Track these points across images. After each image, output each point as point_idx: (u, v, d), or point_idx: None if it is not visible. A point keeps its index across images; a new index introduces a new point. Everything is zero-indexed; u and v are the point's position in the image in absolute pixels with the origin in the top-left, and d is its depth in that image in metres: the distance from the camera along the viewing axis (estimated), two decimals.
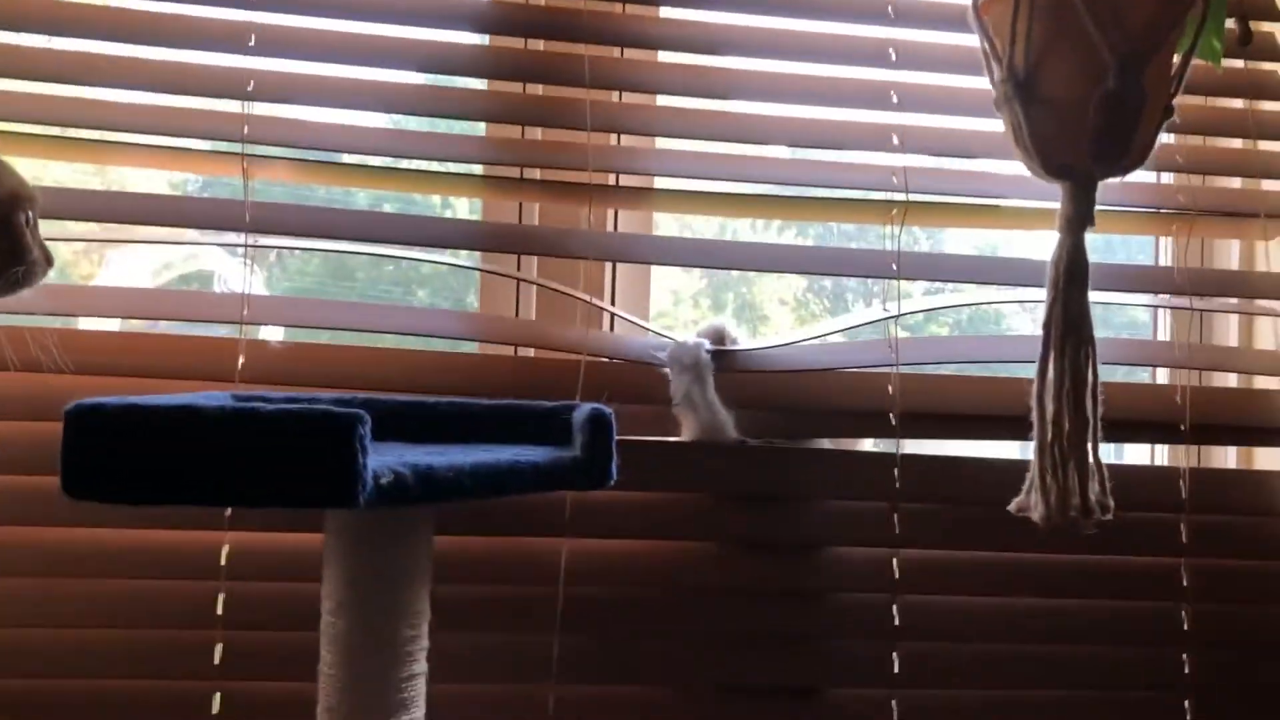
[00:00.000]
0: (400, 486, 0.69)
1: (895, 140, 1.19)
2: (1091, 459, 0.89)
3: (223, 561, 1.05)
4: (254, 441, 0.64)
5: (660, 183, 1.21)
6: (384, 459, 0.71)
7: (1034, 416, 0.90)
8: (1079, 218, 0.89)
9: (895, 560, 1.15)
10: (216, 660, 1.04)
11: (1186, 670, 1.18)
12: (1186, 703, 1.18)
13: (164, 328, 1.16)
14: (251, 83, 1.10)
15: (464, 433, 0.93)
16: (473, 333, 1.18)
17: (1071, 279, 0.88)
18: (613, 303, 1.25)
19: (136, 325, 1.17)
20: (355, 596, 0.77)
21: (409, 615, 0.78)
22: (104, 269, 1.31)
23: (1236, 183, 1.26)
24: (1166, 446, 1.30)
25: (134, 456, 0.64)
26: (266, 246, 1.14)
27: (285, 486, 0.65)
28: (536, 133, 1.21)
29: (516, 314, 1.24)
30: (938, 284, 1.34)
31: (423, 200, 1.40)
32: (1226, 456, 1.29)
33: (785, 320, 1.47)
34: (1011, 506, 0.92)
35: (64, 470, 0.64)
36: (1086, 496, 0.88)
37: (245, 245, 1.09)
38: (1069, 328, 0.88)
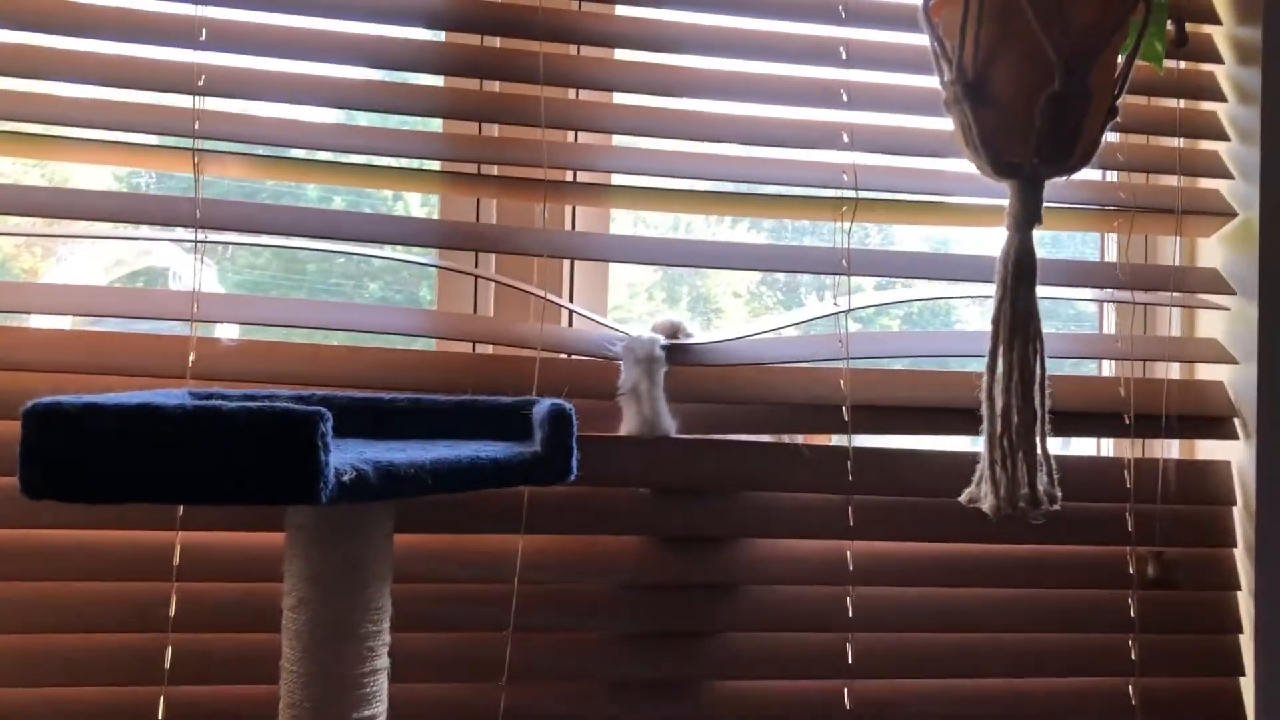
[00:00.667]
0: (362, 483, 0.70)
1: (845, 138, 1.21)
2: (1040, 450, 0.91)
3: (175, 562, 1.04)
4: (216, 440, 0.64)
5: (616, 179, 1.22)
6: (345, 456, 0.71)
7: (984, 410, 0.92)
8: (1026, 216, 0.91)
9: (849, 553, 1.17)
10: (167, 664, 1.03)
11: (1134, 656, 1.21)
12: (1131, 688, 1.21)
13: (115, 325, 1.14)
14: (203, 78, 1.09)
15: (422, 429, 0.94)
16: (427, 329, 1.18)
17: (1019, 276, 0.91)
18: (571, 298, 1.26)
19: (87, 323, 1.16)
20: (317, 592, 0.77)
21: (370, 610, 0.79)
22: (56, 265, 1.29)
23: (1174, 180, 1.30)
24: (1111, 440, 1.33)
25: (95, 455, 0.64)
26: (217, 242, 1.13)
27: (247, 484, 0.65)
28: (493, 130, 1.21)
29: (475, 311, 1.24)
30: (889, 280, 1.37)
31: (375, 195, 1.39)
32: (1169, 448, 1.33)
33: (739, 313, 1.48)
34: (962, 498, 0.94)
35: (23, 470, 0.64)
36: (1035, 487, 0.90)
37: (195, 240, 1.08)
38: (1017, 323, 0.90)
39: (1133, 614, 1.22)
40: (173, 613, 1.04)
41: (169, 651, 1.03)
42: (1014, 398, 0.90)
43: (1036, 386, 0.91)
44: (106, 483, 0.64)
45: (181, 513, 1.04)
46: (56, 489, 0.64)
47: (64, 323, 1.15)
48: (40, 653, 1.03)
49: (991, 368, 0.91)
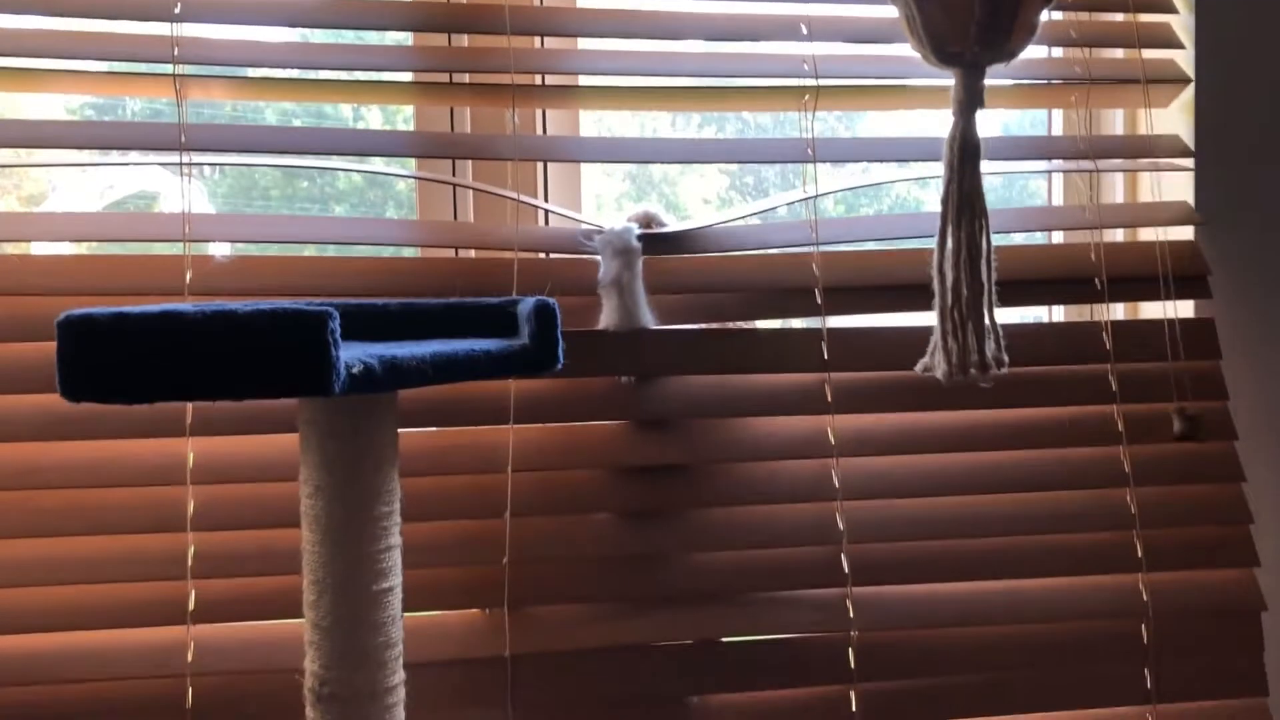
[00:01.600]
0: (369, 375, 0.76)
1: (804, 30, 1.25)
2: (988, 320, 0.99)
3: (189, 466, 1.11)
4: (235, 340, 0.71)
5: (582, 81, 1.27)
6: (351, 352, 0.78)
7: (935, 285, 1.00)
8: (970, 101, 0.97)
9: (830, 428, 1.23)
10: (189, 561, 1.11)
11: (1133, 510, 1.26)
12: (1135, 537, 1.26)
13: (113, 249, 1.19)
14: (179, 4, 1.12)
15: (416, 330, 1.00)
16: (405, 239, 1.24)
17: (965, 158, 0.97)
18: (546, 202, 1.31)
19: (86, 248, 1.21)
20: (331, 479, 0.84)
21: (382, 493, 0.86)
22: (53, 194, 1.33)
23: (1120, 53, 1.35)
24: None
25: (126, 359, 0.70)
26: (204, 164, 1.17)
27: (267, 379, 0.72)
28: (463, 40, 1.26)
29: (455, 218, 1.30)
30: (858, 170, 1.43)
31: (334, 114, 1.43)
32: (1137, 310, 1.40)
33: (710, 219, 1.54)
34: (918, 367, 1.02)
35: (61, 375, 0.70)
36: (984, 354, 0.98)
37: (181, 164, 1.13)
38: (964, 203, 0.97)
39: (1127, 469, 1.27)
40: (190, 512, 1.11)
41: (190, 550, 1.11)
42: (963, 272, 0.98)
43: (984, 261, 0.98)
44: (139, 383, 0.70)
45: (190, 420, 1.10)
46: (90, 391, 0.70)
47: (64, 249, 1.20)
48: (66, 557, 1.10)
49: (941, 245, 0.99)
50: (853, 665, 1.21)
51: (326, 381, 0.72)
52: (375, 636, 0.86)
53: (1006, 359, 1.00)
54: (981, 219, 0.98)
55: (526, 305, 0.95)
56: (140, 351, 0.70)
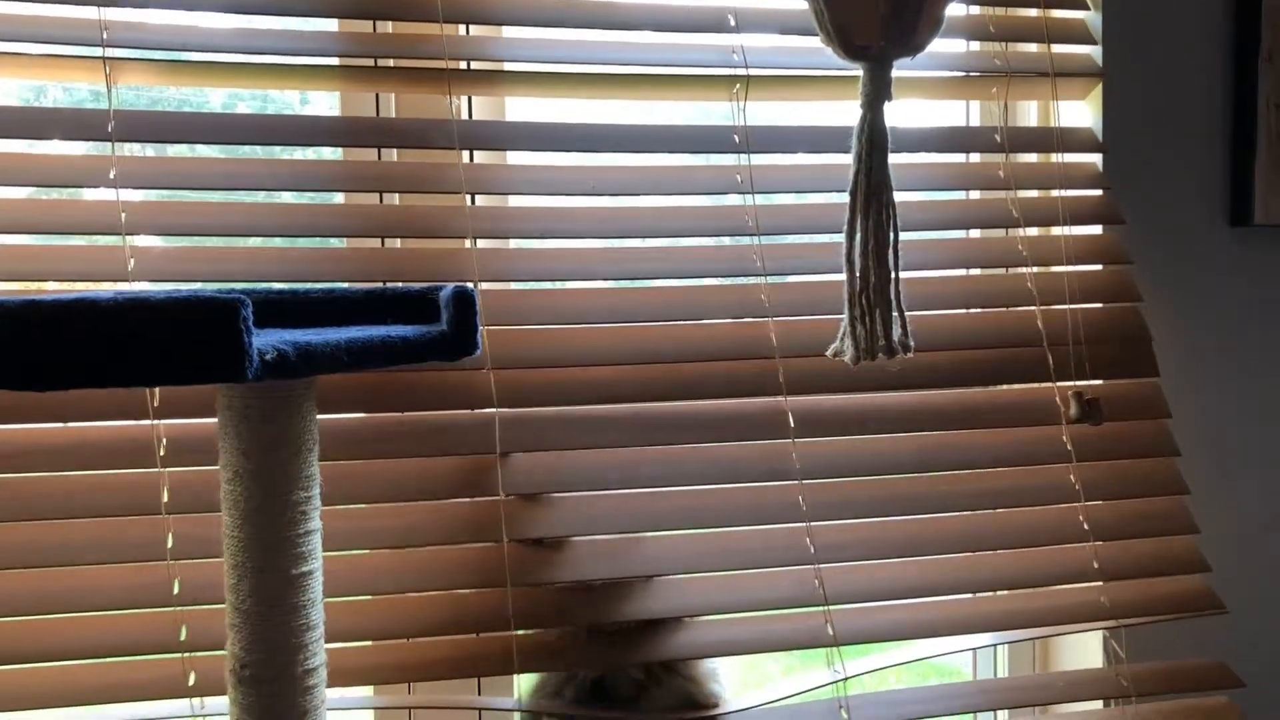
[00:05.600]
0: (283, 361, 0.78)
1: (732, 21, 1.28)
2: (895, 307, 1.02)
3: (160, 452, 1.12)
4: (148, 327, 0.72)
5: (509, 69, 1.29)
6: (266, 339, 0.80)
7: (844, 272, 1.03)
8: (877, 94, 1.00)
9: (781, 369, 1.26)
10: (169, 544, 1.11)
11: (1076, 486, 1.33)
12: (1080, 514, 1.32)
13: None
14: None
15: (338, 318, 1.02)
16: (340, 228, 1.25)
17: (873, 149, 1.00)
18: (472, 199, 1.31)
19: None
20: (249, 465, 0.86)
21: (301, 479, 0.88)
22: None
23: (1034, 48, 1.39)
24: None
25: (39, 346, 0.71)
26: (132, 158, 1.17)
27: (180, 365, 0.74)
28: (388, 27, 1.27)
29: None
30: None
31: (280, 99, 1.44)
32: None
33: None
34: (829, 352, 1.05)
35: None
36: (890, 339, 1.02)
37: (112, 153, 1.13)
38: (872, 193, 1.00)
39: (1069, 446, 1.32)
40: (165, 498, 1.11)
41: (169, 536, 1.11)
42: (870, 261, 1.01)
43: (890, 250, 1.02)
44: (50, 370, 0.72)
45: (157, 404, 1.11)
46: (8, 377, 0.72)
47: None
48: (46, 542, 1.11)
49: (850, 234, 1.02)
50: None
51: (239, 368, 0.74)
52: (295, 619, 0.88)
53: (912, 344, 1.03)
54: (889, 209, 1.01)
55: (446, 292, 0.97)
56: (53, 339, 0.72)
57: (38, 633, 1.10)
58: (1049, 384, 1.32)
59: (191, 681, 1.10)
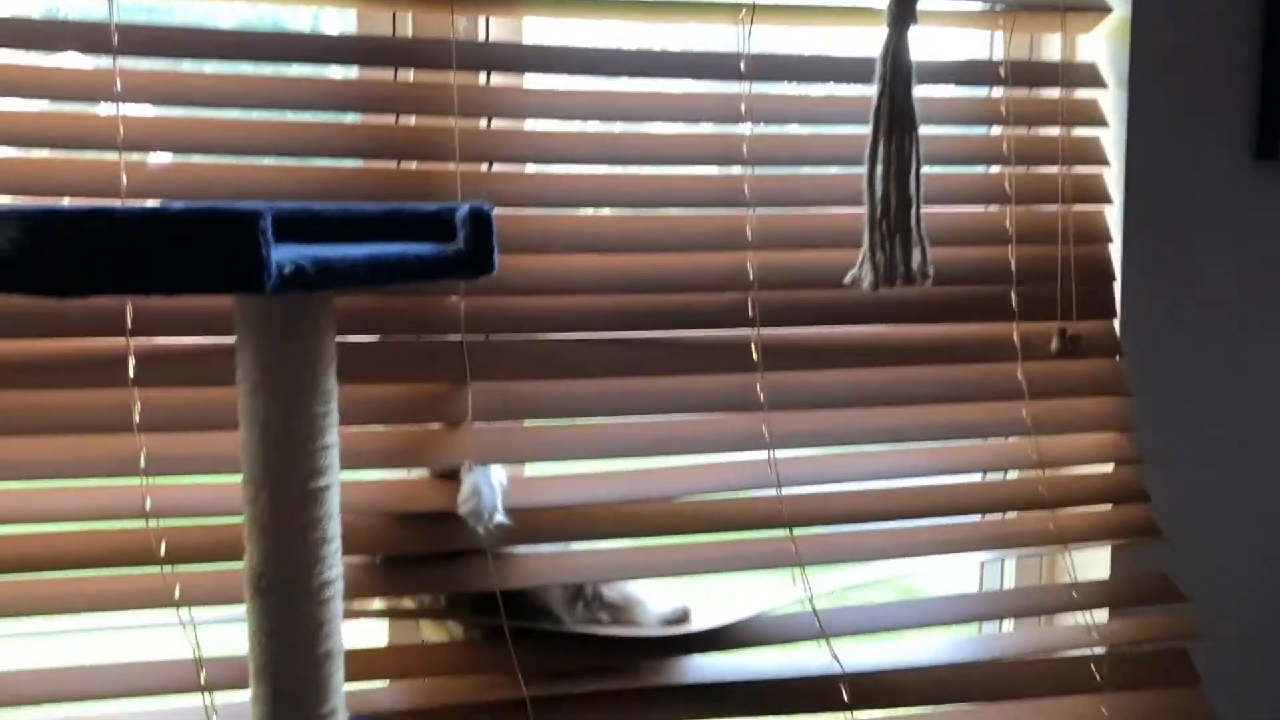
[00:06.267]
0: (301, 274, 0.77)
1: None
2: (915, 233, 1.02)
3: (130, 373, 1.12)
4: (167, 237, 0.71)
5: None
6: (284, 253, 0.79)
7: (865, 197, 1.02)
8: (903, 15, 0.98)
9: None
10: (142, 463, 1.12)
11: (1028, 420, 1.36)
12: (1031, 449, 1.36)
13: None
14: None
15: (352, 236, 1.00)
16: (347, 147, 1.23)
17: (896, 71, 0.99)
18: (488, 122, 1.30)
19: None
20: (267, 378, 0.85)
21: (318, 393, 0.87)
22: None
23: None
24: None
25: (58, 253, 0.71)
26: (136, 71, 1.15)
27: (199, 277, 0.73)
28: None
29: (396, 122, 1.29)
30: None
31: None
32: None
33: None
34: (846, 279, 1.05)
35: None
36: (910, 266, 1.01)
37: (115, 66, 1.11)
38: (895, 117, 0.99)
39: (1022, 383, 1.35)
40: (137, 417, 1.11)
41: (143, 453, 1.12)
42: (892, 185, 1.00)
43: (912, 175, 1.01)
44: (68, 278, 0.71)
45: (130, 324, 1.11)
46: (26, 285, 0.71)
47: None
48: (18, 457, 1.11)
49: (872, 158, 1.01)
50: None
51: (258, 280, 0.73)
52: (312, 532, 0.88)
53: (931, 271, 1.03)
54: (911, 132, 1.00)
55: (462, 211, 0.96)
56: (71, 247, 0.71)
57: (14, 546, 1.10)
58: (1009, 323, 1.35)
59: (177, 594, 1.11)
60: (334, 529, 0.90)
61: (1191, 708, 1.34)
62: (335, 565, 0.90)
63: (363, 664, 1.15)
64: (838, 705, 1.23)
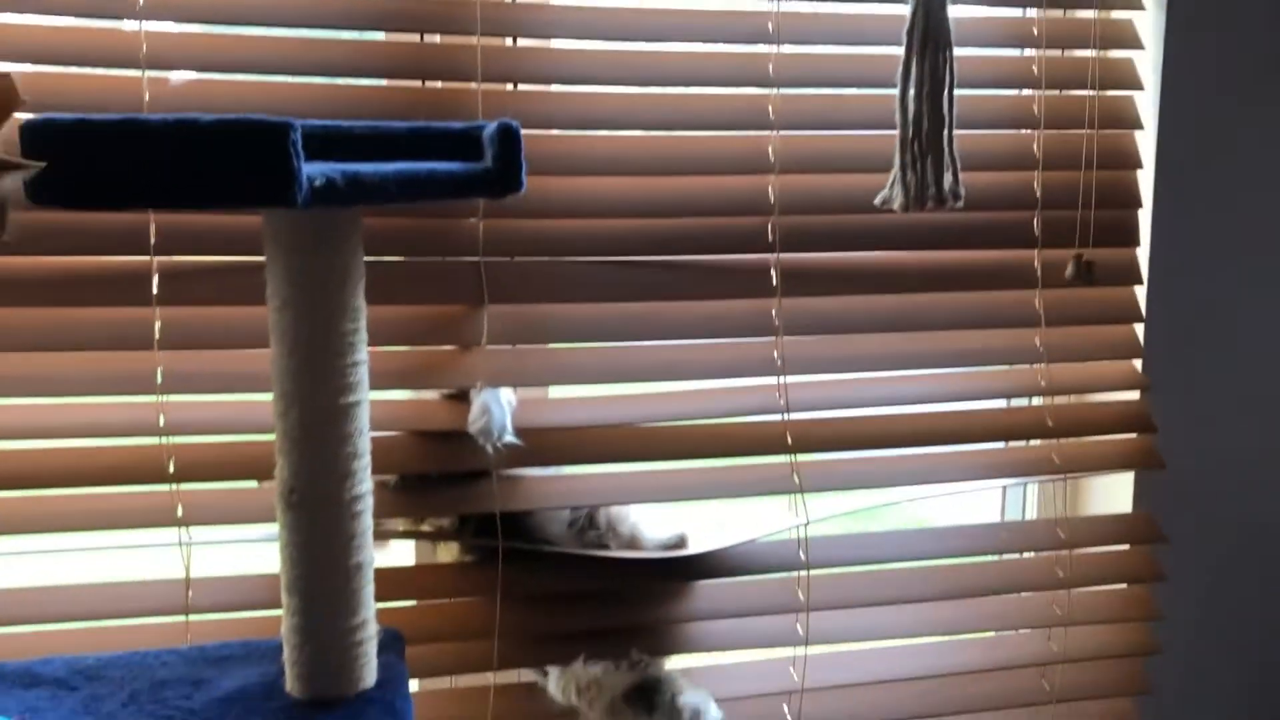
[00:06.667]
0: (332, 188, 0.77)
1: None
2: (947, 153, 1.00)
3: (154, 290, 1.12)
4: (198, 148, 0.71)
5: None
6: (314, 168, 0.78)
7: (896, 116, 1.01)
8: None
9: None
10: (159, 380, 1.13)
11: (1040, 348, 1.36)
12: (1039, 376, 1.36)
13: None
14: None
15: (379, 153, 1.00)
16: (370, 66, 1.22)
17: None
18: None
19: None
20: (296, 294, 0.86)
21: (348, 310, 0.88)
22: None
23: None
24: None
25: (89, 164, 0.70)
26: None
27: (229, 188, 0.73)
28: None
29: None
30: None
31: None
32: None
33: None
34: (876, 200, 1.04)
35: (26, 179, 0.70)
36: (941, 187, 1.00)
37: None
38: (929, 33, 0.97)
39: (1040, 311, 1.34)
40: (157, 335, 1.12)
41: (159, 370, 1.12)
42: (925, 104, 0.98)
43: (946, 94, 0.99)
44: (102, 189, 0.71)
45: (154, 241, 1.11)
46: (57, 195, 0.71)
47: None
48: (36, 373, 1.12)
49: (905, 76, 0.99)
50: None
51: (289, 192, 0.73)
52: (343, 447, 0.89)
53: (963, 192, 1.02)
54: (946, 51, 0.98)
55: (490, 129, 0.95)
56: (103, 156, 0.71)
57: (28, 461, 1.11)
58: (1031, 250, 1.34)
59: (179, 513, 1.13)
60: (364, 445, 0.91)
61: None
62: (365, 480, 0.91)
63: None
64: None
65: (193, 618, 1.14)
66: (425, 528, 1.23)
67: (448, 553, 1.24)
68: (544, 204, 1.20)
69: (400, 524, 1.22)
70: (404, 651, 1.03)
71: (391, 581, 1.20)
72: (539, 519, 1.23)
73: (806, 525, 1.27)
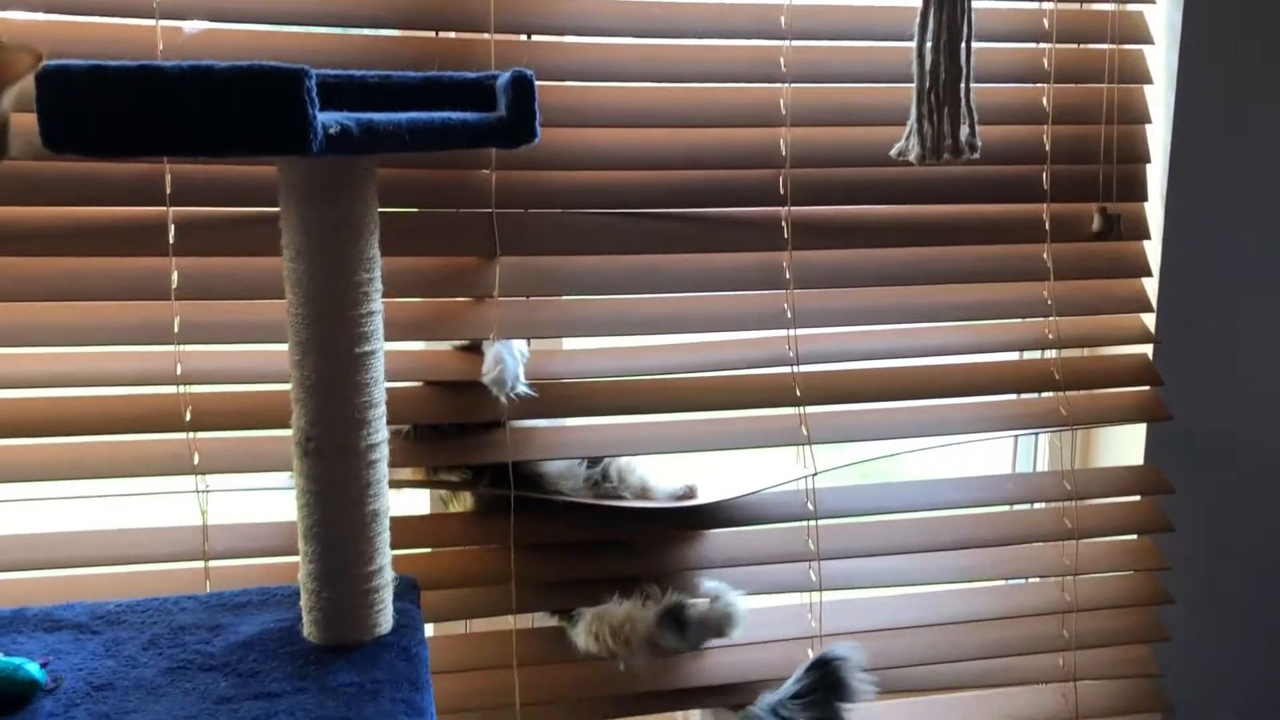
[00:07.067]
0: (346, 136, 0.77)
1: None
2: (963, 104, 1.00)
3: (170, 239, 1.12)
4: (213, 95, 0.71)
5: None
6: (328, 116, 0.78)
7: (913, 68, 1.00)
8: None
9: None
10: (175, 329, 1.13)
11: (1049, 300, 1.35)
12: (1047, 330, 1.36)
13: None
14: None
15: (393, 104, 0.99)
16: (387, 18, 1.21)
17: None
18: None
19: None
20: (310, 244, 0.86)
21: (362, 260, 0.88)
22: None
23: None
24: None
25: (105, 111, 0.70)
26: None
27: (243, 136, 0.73)
28: None
29: None
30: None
31: None
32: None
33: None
34: (892, 151, 1.03)
35: (42, 125, 0.71)
36: (958, 138, 0.99)
37: None
38: None
39: (1048, 264, 1.34)
40: (175, 284, 1.12)
41: (176, 320, 1.13)
42: (942, 55, 0.97)
43: (963, 45, 0.98)
44: (118, 137, 0.71)
45: (170, 191, 1.11)
46: (73, 143, 0.71)
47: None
48: (55, 322, 1.13)
49: (922, 26, 0.98)
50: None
51: (303, 139, 0.73)
52: (358, 396, 0.89)
53: (979, 143, 1.01)
54: (963, 2, 0.97)
55: (504, 78, 0.95)
56: (118, 104, 0.71)
57: (47, 409, 1.13)
58: (1040, 204, 1.33)
59: (196, 461, 1.14)
60: (379, 394, 0.92)
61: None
62: (381, 429, 0.92)
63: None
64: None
65: (211, 563, 1.16)
66: (444, 476, 1.24)
67: (460, 503, 1.25)
68: (556, 156, 1.20)
69: (411, 474, 1.23)
70: (420, 599, 1.04)
71: (407, 530, 1.22)
72: (554, 471, 1.24)
73: (814, 476, 1.27)
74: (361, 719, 0.82)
